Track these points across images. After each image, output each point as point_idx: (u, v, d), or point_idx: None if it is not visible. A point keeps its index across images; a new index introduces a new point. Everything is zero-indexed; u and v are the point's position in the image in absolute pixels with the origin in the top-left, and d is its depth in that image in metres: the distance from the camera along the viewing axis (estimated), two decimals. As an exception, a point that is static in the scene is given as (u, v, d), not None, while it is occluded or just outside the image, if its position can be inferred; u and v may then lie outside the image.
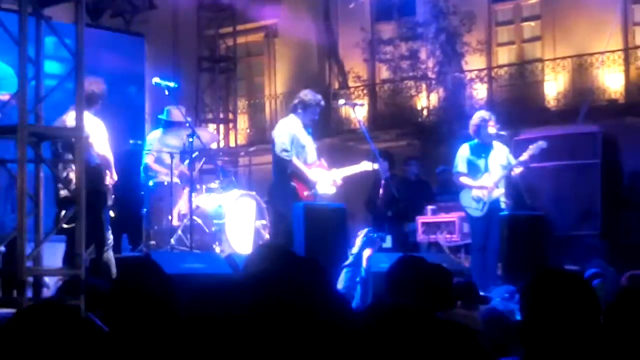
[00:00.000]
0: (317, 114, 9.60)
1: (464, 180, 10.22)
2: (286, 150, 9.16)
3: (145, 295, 3.39)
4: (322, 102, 9.74)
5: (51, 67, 9.55)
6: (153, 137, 10.20)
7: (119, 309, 3.38)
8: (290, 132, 9.25)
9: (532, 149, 10.19)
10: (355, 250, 8.76)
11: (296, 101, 9.49)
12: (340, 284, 8.46)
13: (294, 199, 8.98)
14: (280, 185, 9.22)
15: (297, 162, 9.18)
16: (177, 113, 10.13)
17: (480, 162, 10.18)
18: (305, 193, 9.15)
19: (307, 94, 9.52)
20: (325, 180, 9.37)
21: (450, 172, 11.02)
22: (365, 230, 8.75)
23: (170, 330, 2.91)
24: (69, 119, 7.55)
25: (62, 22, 7.64)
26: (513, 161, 10.19)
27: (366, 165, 9.78)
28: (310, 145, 9.42)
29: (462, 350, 2.27)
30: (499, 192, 10.13)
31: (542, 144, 10.20)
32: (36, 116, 6.21)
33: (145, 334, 3.13)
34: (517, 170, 10.14)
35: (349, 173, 9.71)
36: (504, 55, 20.27)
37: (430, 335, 2.30)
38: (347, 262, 8.68)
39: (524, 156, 10.16)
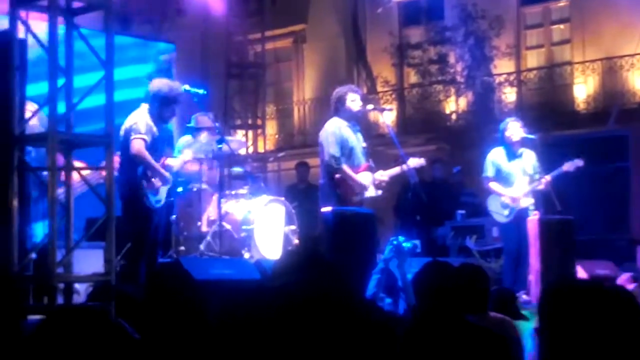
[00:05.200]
0: (357, 101, 9.32)
1: (492, 185, 10.18)
2: (335, 157, 9.00)
3: (175, 300, 3.41)
4: (356, 88, 9.68)
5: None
6: (184, 142, 10.23)
7: (150, 314, 3.40)
8: (337, 136, 9.07)
9: (568, 166, 10.11)
10: (383, 257, 8.71)
11: (332, 103, 9.34)
12: (369, 291, 8.43)
13: (342, 205, 8.89)
14: (328, 190, 9.12)
15: (346, 168, 9.03)
16: (204, 119, 10.19)
17: (510, 169, 10.14)
18: (354, 199, 9.06)
19: (337, 90, 9.39)
20: (371, 183, 9.26)
21: (463, 172, 10.93)
22: (392, 239, 8.70)
23: (199, 336, 2.93)
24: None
25: (93, 30, 7.69)
26: (541, 174, 10.10)
27: (413, 162, 9.58)
28: (358, 146, 9.24)
29: (486, 356, 2.25)
30: (529, 202, 10.09)
31: (578, 162, 10.10)
32: (67, 124, 6.26)
33: (175, 339, 3.15)
34: (546, 179, 10.06)
35: (394, 173, 9.55)
36: (533, 59, 20.17)
37: (456, 340, 2.29)
38: (376, 269, 8.64)
39: (559, 171, 10.09)
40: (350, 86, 9.66)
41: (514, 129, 10.07)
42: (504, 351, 3.00)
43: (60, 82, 6.05)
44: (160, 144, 8.60)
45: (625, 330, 2.76)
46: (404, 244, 8.14)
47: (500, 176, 10.13)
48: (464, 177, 14.39)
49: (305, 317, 1.88)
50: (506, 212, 10.06)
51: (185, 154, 9.24)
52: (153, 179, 8.38)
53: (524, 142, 10.20)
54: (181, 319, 3.27)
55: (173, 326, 3.26)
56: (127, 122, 8.41)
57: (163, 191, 8.53)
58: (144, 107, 8.52)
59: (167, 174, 8.51)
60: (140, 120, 8.36)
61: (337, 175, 9.00)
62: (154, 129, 8.45)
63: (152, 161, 8.36)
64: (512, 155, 10.15)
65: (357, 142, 9.26)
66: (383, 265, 8.07)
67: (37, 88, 6.84)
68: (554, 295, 2.89)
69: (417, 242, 9.53)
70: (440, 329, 2.75)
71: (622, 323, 2.77)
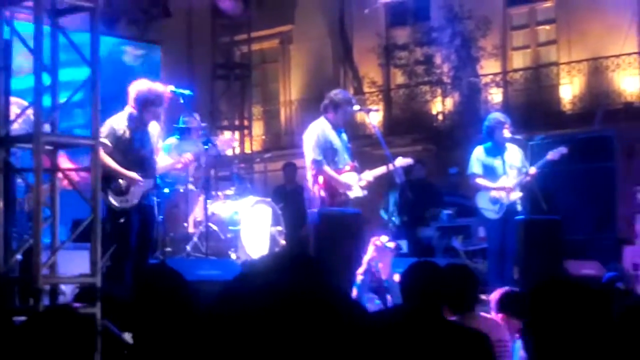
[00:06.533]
0: (350, 114, 9.35)
1: (480, 181, 10.15)
2: (316, 161, 8.96)
3: (168, 300, 3.41)
4: (354, 101, 9.60)
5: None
6: (169, 143, 10.22)
7: (143, 314, 3.39)
8: (320, 138, 9.03)
9: (552, 154, 10.14)
10: (366, 258, 8.68)
11: (326, 102, 9.22)
12: (354, 292, 8.42)
13: (326, 206, 8.88)
14: (312, 191, 9.09)
15: (328, 170, 9.00)
16: (191, 121, 10.18)
17: (497, 165, 10.13)
18: (337, 199, 9.04)
19: (337, 94, 9.33)
20: (357, 183, 9.24)
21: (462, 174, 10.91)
22: (375, 239, 8.66)
23: (190, 334, 2.93)
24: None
25: (79, 31, 7.67)
26: (528, 167, 10.12)
27: (400, 162, 9.58)
28: (342, 148, 9.20)
29: (466, 355, 2.25)
30: (517, 195, 10.08)
31: (562, 149, 10.14)
32: (52, 125, 6.24)
33: (167, 338, 3.14)
34: (532, 171, 10.08)
35: (379, 173, 9.54)
36: (519, 59, 20.23)
37: (435, 339, 2.29)
38: (360, 270, 8.62)
39: (544, 161, 10.12)
40: (350, 97, 9.55)
41: (505, 130, 10.08)
42: (486, 350, 3.00)
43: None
44: (139, 146, 8.45)
45: (610, 328, 2.76)
46: (387, 244, 8.11)
47: (487, 172, 10.12)
48: (459, 178, 14.38)
49: (289, 317, 1.88)
50: (496, 207, 10.03)
51: (187, 155, 9.17)
52: (120, 181, 8.25)
53: (510, 140, 10.21)
54: (173, 319, 3.26)
55: (165, 326, 3.25)
56: None
57: (135, 192, 8.34)
58: (125, 110, 8.44)
59: (132, 175, 8.32)
60: (106, 124, 8.26)
61: (321, 178, 8.98)
62: (125, 131, 8.35)
63: (111, 164, 8.18)
64: (497, 150, 10.14)
65: (342, 143, 9.23)
66: (367, 265, 8.04)
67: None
68: (539, 296, 2.85)
69: (402, 242, 9.52)
70: (421, 328, 2.75)
71: (608, 321, 2.77)
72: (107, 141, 8.19)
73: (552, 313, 2.78)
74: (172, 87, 9.59)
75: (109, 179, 8.20)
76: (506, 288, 6.27)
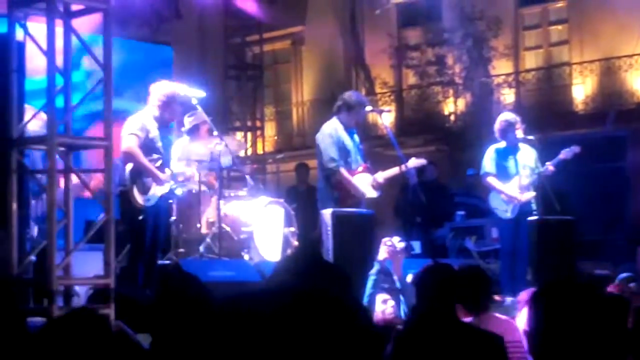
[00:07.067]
0: (362, 116, 9.41)
1: (492, 181, 10.11)
2: (334, 160, 8.96)
3: (186, 303, 3.42)
4: (368, 103, 9.63)
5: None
6: (180, 144, 10.22)
7: (161, 316, 3.40)
8: (335, 138, 9.05)
9: (565, 153, 10.11)
10: (378, 258, 8.67)
11: (339, 103, 9.25)
12: (366, 292, 8.42)
13: (339, 207, 8.87)
14: (325, 193, 9.10)
15: (343, 171, 9.00)
16: (194, 117, 10.14)
17: (510, 165, 10.11)
18: (350, 201, 9.04)
19: (351, 95, 9.38)
20: (370, 184, 9.24)
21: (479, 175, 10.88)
22: (386, 239, 8.65)
23: (208, 336, 2.93)
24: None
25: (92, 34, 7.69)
26: (541, 167, 10.09)
27: (413, 162, 9.59)
28: (354, 149, 9.22)
29: (480, 357, 2.25)
30: (530, 195, 10.05)
31: (575, 148, 10.11)
32: (65, 126, 6.27)
33: (186, 339, 3.16)
34: (550, 169, 10.05)
35: (392, 174, 9.54)
36: (531, 60, 20.19)
37: (449, 340, 2.29)
38: (372, 271, 8.62)
39: (557, 159, 10.09)
40: (363, 99, 9.60)
41: (518, 132, 10.07)
42: (500, 352, 2.99)
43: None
44: (163, 145, 8.53)
45: (612, 332, 2.74)
46: (398, 245, 8.11)
47: (500, 172, 10.09)
48: (474, 179, 14.36)
49: (304, 319, 1.89)
50: (509, 207, 9.99)
51: (188, 170, 9.25)
52: (145, 178, 8.29)
53: (522, 140, 10.19)
54: (192, 320, 3.27)
55: (184, 327, 3.26)
56: (125, 122, 8.37)
57: (157, 191, 8.39)
58: (145, 109, 8.48)
59: (161, 175, 8.39)
60: (134, 119, 8.32)
61: (334, 178, 8.99)
62: (152, 129, 8.38)
63: (144, 160, 8.25)
64: (510, 151, 10.12)
65: (354, 144, 9.25)
66: (379, 266, 8.05)
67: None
68: (544, 298, 2.84)
69: (416, 242, 9.48)
70: (435, 330, 2.75)
71: (609, 326, 2.76)
72: (140, 133, 8.24)
73: (552, 314, 2.76)
74: (184, 88, 9.60)
75: (138, 175, 8.22)
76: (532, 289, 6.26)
